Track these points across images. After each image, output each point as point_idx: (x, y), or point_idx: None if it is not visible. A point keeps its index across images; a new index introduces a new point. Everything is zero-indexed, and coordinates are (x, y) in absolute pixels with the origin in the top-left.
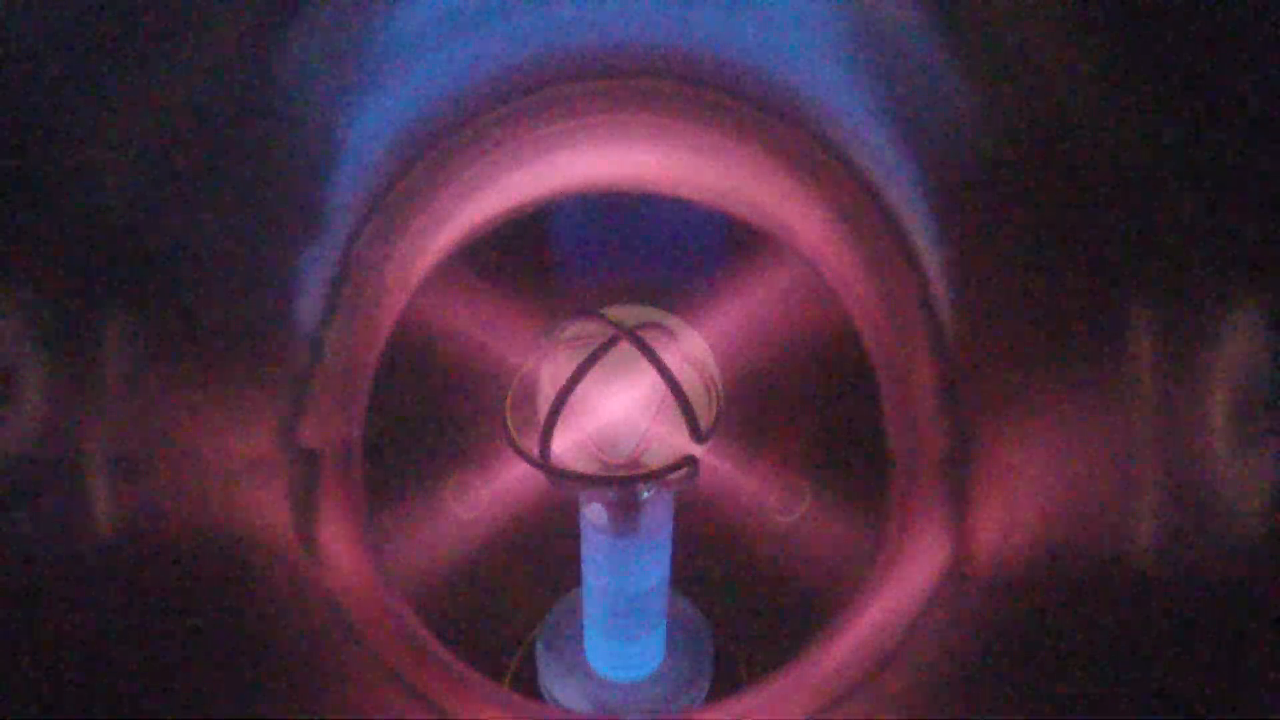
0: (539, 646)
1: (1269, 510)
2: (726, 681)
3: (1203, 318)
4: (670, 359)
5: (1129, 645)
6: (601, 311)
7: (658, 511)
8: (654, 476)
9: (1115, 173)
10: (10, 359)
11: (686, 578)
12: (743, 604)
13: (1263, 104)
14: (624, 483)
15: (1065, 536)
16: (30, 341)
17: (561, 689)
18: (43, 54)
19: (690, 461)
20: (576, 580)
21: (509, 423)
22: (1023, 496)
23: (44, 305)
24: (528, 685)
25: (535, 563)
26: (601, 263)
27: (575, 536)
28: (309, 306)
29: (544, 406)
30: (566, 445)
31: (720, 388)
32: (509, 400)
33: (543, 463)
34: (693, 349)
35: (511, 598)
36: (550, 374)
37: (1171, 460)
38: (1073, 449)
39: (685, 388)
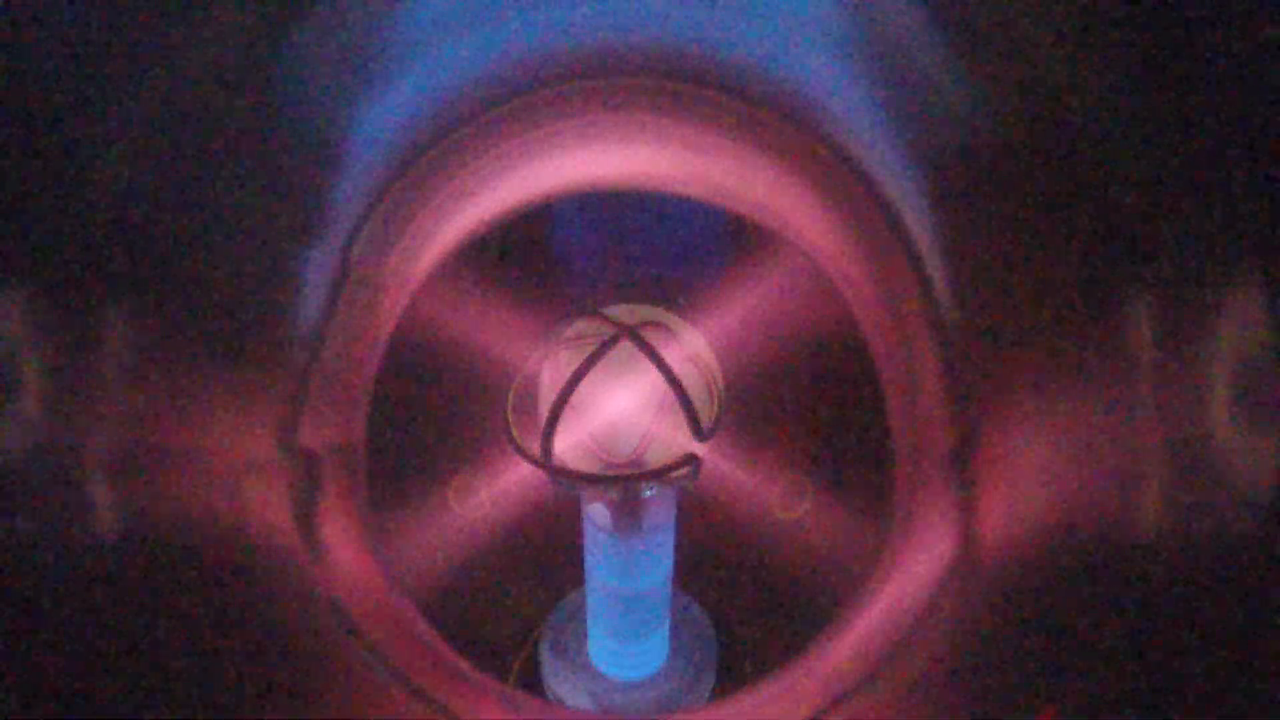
0: (543, 646)
1: (1275, 490)
2: (731, 679)
3: (1202, 302)
4: (671, 357)
5: (1138, 630)
6: (602, 311)
7: (660, 510)
8: (656, 475)
9: (1113, 164)
10: (10, 358)
11: (690, 576)
12: (746, 601)
13: (1260, 94)
14: (626, 482)
15: (1072, 524)
16: (30, 341)
17: (565, 688)
18: (44, 52)
19: (692, 460)
20: (580, 579)
21: (510, 423)
22: (1028, 485)
23: (44, 305)
24: (532, 684)
25: (538, 562)
26: (602, 262)
27: (578, 536)
28: (309, 306)
29: (545, 406)
30: (568, 445)
31: (721, 385)
32: (510, 400)
33: (544, 462)
34: (694, 347)
35: (514, 597)
36: (551, 374)
37: (1176, 444)
38: (1078, 436)
39: (686, 386)
